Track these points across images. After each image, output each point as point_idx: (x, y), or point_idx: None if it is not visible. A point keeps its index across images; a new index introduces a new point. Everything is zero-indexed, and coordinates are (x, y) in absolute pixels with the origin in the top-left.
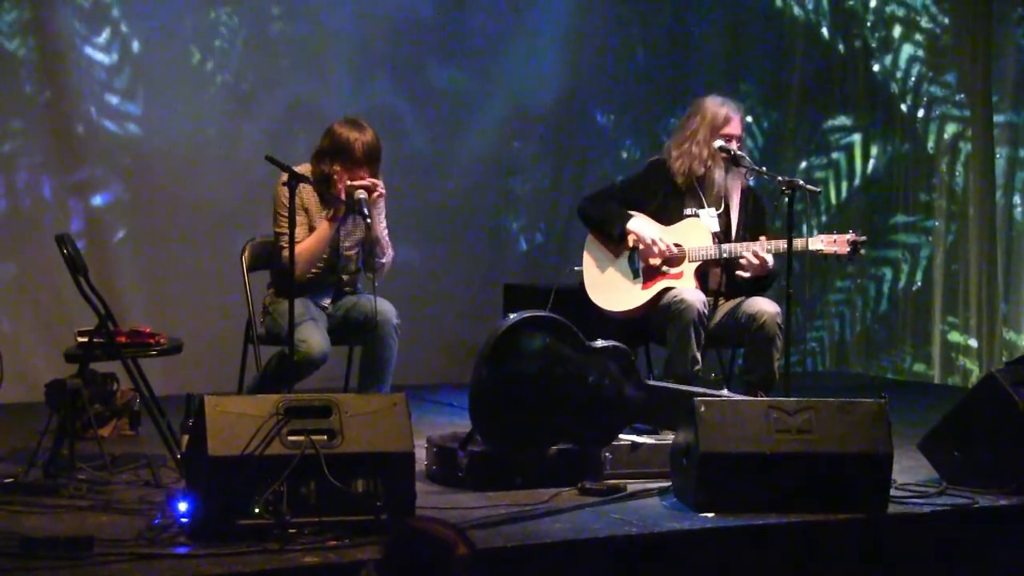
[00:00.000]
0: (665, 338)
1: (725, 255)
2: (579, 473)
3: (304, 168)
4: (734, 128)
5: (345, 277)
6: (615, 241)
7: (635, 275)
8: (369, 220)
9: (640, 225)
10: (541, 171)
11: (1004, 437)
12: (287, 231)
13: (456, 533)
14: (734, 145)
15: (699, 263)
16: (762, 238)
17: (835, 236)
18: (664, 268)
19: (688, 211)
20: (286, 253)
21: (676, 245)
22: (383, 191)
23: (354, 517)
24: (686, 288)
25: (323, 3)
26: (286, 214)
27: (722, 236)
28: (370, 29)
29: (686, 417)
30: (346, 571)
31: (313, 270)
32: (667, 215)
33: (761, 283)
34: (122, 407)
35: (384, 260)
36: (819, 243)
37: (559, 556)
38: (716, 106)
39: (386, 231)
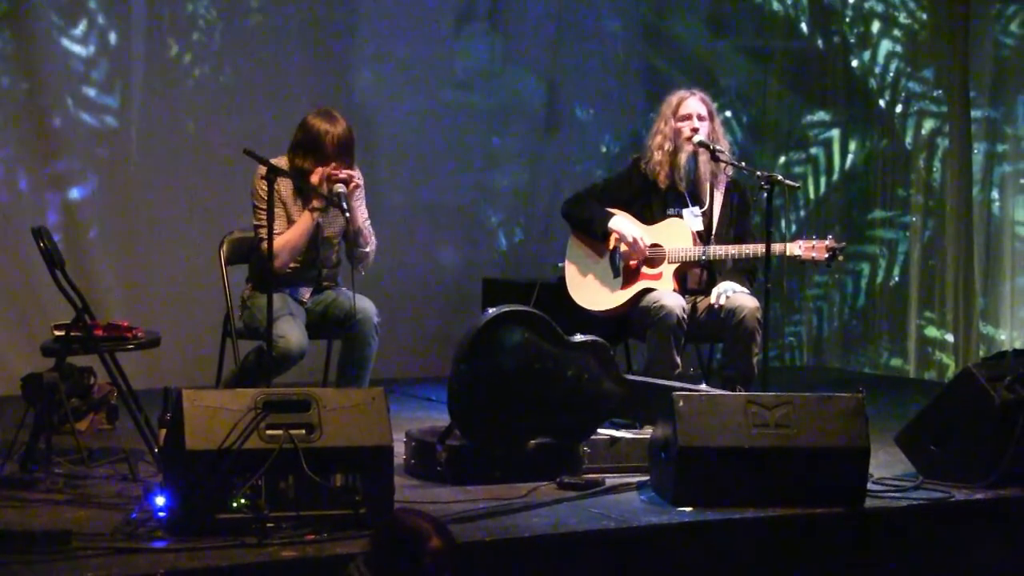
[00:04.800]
0: (644, 335)
1: (704, 257)
2: (558, 467)
3: (281, 161)
4: (688, 108)
5: (325, 271)
6: (598, 240)
7: (615, 274)
8: (348, 214)
9: (622, 224)
10: (520, 166)
11: (980, 432)
12: (265, 224)
13: (434, 526)
14: (696, 124)
15: (678, 264)
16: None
17: (814, 242)
18: (644, 268)
19: (671, 211)
20: (265, 246)
21: (656, 245)
22: (359, 182)
23: (332, 511)
24: (665, 291)
25: None
26: (262, 207)
27: (704, 235)
28: (349, 22)
29: (664, 411)
30: (324, 565)
31: (293, 264)
32: (649, 214)
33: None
34: (99, 401)
35: (367, 249)
36: (797, 249)
37: (537, 550)
38: (671, 95)
39: (368, 221)
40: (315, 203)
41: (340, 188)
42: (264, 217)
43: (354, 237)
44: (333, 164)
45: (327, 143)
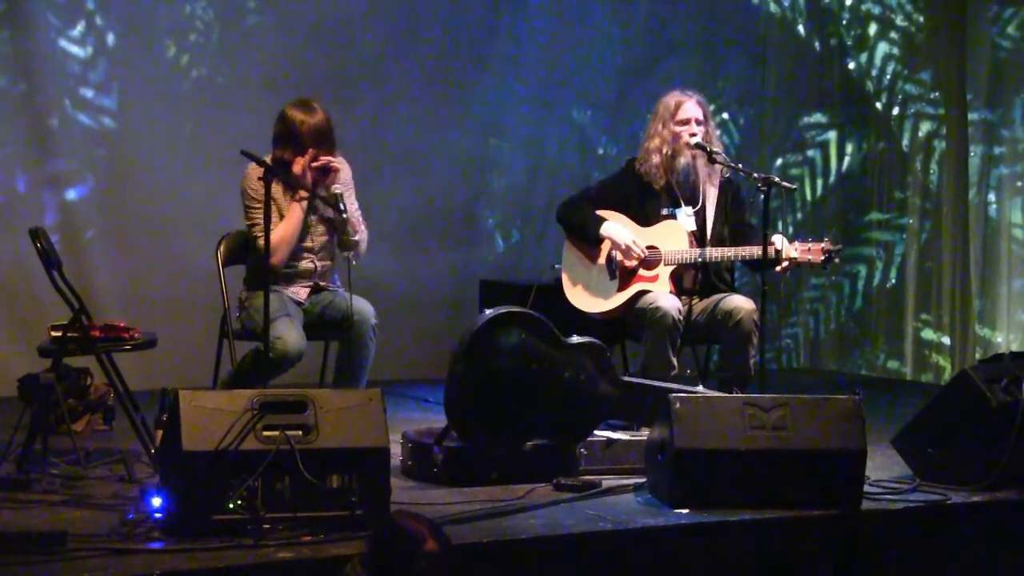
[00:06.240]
0: (640, 337)
1: (701, 259)
2: (554, 469)
3: (267, 158)
4: (686, 112)
5: (319, 266)
6: (591, 245)
7: (611, 277)
8: (346, 215)
9: (615, 229)
10: (517, 168)
11: (977, 434)
12: (258, 222)
13: (430, 528)
14: (695, 128)
15: (675, 266)
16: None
17: (809, 244)
18: (640, 271)
19: (665, 211)
20: (261, 243)
21: (651, 247)
22: (339, 167)
23: (329, 513)
24: (661, 293)
25: None
26: (255, 206)
27: (698, 235)
28: (346, 24)
29: (661, 413)
30: (320, 566)
31: (292, 262)
32: (644, 216)
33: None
34: (96, 402)
35: (357, 238)
36: (793, 251)
37: (534, 552)
38: (667, 97)
39: (358, 211)
40: (301, 193)
41: (337, 188)
42: (256, 216)
43: (342, 227)
44: (311, 152)
45: (303, 132)
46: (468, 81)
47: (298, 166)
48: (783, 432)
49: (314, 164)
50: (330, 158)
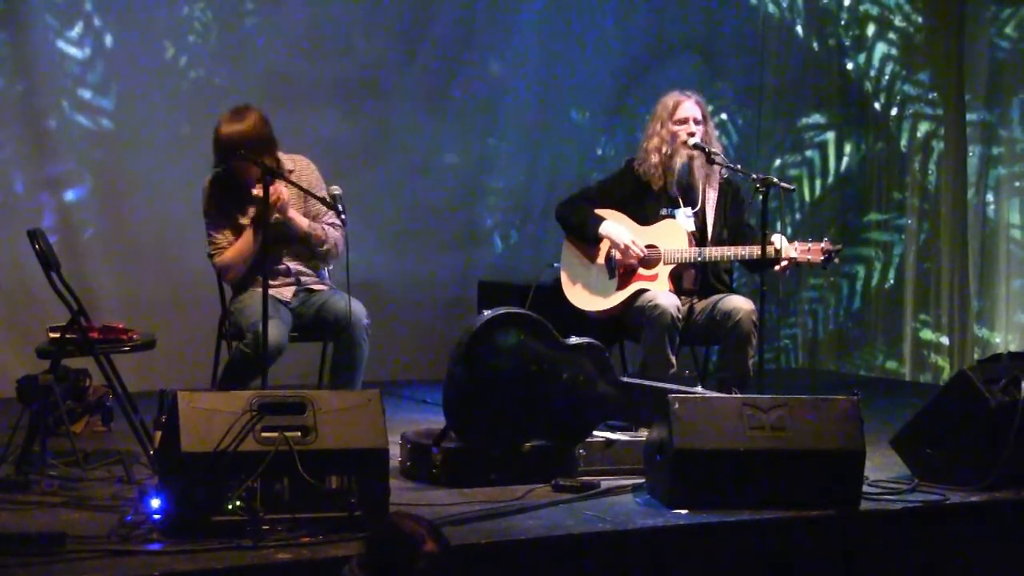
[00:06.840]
0: (639, 337)
1: (700, 258)
2: (553, 470)
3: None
4: (684, 111)
5: (292, 265)
6: (590, 244)
7: (611, 276)
8: (344, 216)
9: (614, 228)
10: (516, 169)
11: (975, 434)
12: (211, 236)
13: (429, 529)
14: (692, 128)
15: (674, 265)
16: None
17: (809, 244)
18: (640, 270)
19: (664, 211)
20: (216, 260)
21: (651, 246)
22: (282, 197)
23: (328, 514)
24: (660, 291)
25: None
26: (207, 221)
27: (698, 235)
28: (345, 26)
29: (660, 414)
30: (319, 568)
31: (280, 264)
32: (644, 215)
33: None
34: (94, 403)
35: (325, 248)
36: (793, 251)
37: (533, 553)
38: (665, 97)
39: (317, 225)
40: (252, 216)
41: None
42: (211, 232)
43: (305, 240)
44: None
45: (220, 140)
46: (467, 81)
47: (258, 191)
48: (782, 432)
49: (274, 199)
50: (277, 193)
